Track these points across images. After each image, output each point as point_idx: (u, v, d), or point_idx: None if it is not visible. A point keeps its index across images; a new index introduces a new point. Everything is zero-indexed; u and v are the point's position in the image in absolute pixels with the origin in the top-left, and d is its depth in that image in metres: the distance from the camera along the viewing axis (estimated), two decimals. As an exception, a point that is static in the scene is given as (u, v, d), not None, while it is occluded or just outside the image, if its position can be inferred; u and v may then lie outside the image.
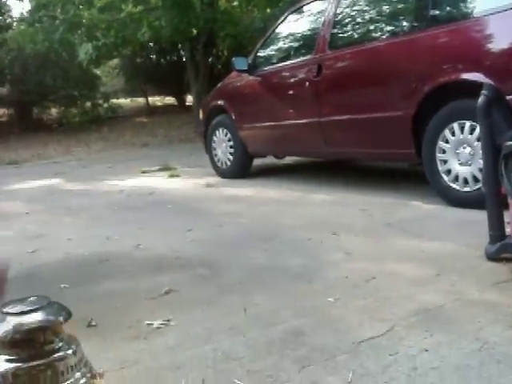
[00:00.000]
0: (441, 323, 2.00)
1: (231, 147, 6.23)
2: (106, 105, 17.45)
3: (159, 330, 2.15)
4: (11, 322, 1.10)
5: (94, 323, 2.25)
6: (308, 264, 2.88)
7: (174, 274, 2.88)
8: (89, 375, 1.24)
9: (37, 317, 1.13)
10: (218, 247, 3.38)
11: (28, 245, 3.79)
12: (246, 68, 5.86)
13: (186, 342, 2.02)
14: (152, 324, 2.19)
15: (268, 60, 5.87)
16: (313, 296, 2.39)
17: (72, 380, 1.18)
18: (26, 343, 1.11)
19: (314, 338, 1.96)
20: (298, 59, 5.29)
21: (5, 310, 1.12)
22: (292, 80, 5.33)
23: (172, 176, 6.83)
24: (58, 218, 4.84)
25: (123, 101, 19.28)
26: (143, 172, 7.48)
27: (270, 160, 6.91)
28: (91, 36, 11.54)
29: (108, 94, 17.83)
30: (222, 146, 6.36)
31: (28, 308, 1.13)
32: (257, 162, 6.56)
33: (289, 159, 7.07)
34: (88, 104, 17.21)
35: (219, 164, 6.45)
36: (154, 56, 18.07)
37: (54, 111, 17.50)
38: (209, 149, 6.61)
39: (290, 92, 5.30)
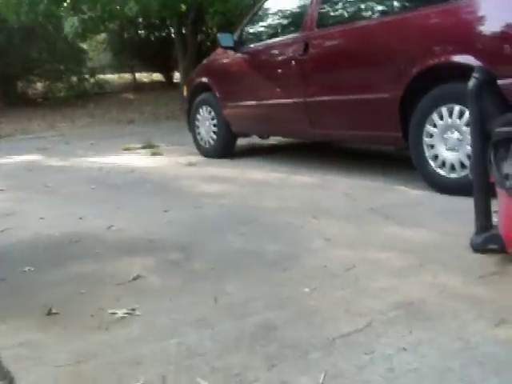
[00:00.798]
0: (421, 319, 1.88)
1: (215, 126, 6.06)
2: (92, 80, 17.11)
3: (123, 320, 2.01)
4: None
5: (54, 311, 2.12)
6: (286, 250, 2.75)
7: (145, 257, 2.75)
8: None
9: None
10: (195, 230, 3.25)
11: (-3, 224, 3.65)
12: (231, 45, 5.68)
13: (150, 334, 1.89)
14: (116, 313, 2.06)
15: (254, 37, 5.69)
16: (288, 285, 2.27)
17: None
18: None
19: (287, 333, 1.84)
20: (285, 37, 5.12)
21: None
22: (278, 58, 5.15)
23: (154, 154, 6.66)
24: (33, 195, 4.68)
25: (110, 76, 18.95)
26: (126, 149, 7.30)
27: (254, 140, 6.75)
28: (77, 9, 11.25)
29: (95, 69, 17.48)
30: (206, 124, 6.19)
31: None
32: (241, 141, 6.41)
33: (274, 139, 6.92)
34: (74, 79, 16.88)
35: (202, 143, 6.29)
36: (142, 31, 17.73)
37: (39, 85, 17.17)
38: (192, 127, 6.44)
39: (276, 70, 5.13)
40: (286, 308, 2.04)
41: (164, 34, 17.34)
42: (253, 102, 5.47)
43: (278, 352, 1.72)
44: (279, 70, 5.09)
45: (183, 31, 13.14)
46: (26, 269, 2.67)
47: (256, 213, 3.56)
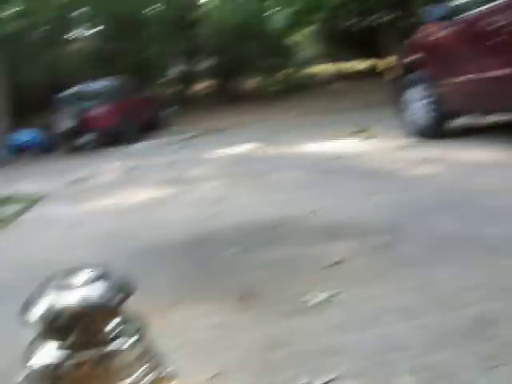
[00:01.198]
0: None
1: (427, 105, 5.68)
2: (302, 72, 17.44)
3: (322, 306, 1.87)
4: (52, 301, 0.84)
5: (252, 293, 2.05)
6: (508, 234, 2.40)
7: (348, 241, 2.59)
8: (154, 375, 0.87)
9: (86, 294, 0.84)
10: (402, 213, 3.00)
11: (209, 208, 3.77)
12: (441, 18, 5.26)
13: (348, 322, 1.73)
14: (313, 299, 1.92)
15: (466, 6, 5.20)
16: (510, 274, 1.95)
17: (131, 380, 0.85)
18: (69, 329, 0.82)
19: (508, 330, 1.55)
20: (501, 0, 4.60)
21: (49, 284, 0.87)
22: (494, 26, 4.62)
23: (363, 139, 6.49)
24: (242, 182, 4.79)
25: (319, 67, 19.13)
26: (335, 136, 7.20)
27: (471, 119, 6.23)
28: (284, 3, 11.47)
29: (304, 61, 17.81)
30: (417, 104, 5.83)
31: (77, 283, 0.86)
32: (456, 120, 5.94)
33: (493, 117, 6.32)
34: (284, 72, 17.34)
35: (414, 124, 5.93)
36: (349, 20, 17.57)
37: (252, 81, 17.91)
38: (403, 109, 6.13)
39: (493, 40, 4.62)
40: (507, 300, 1.74)
41: (370, 21, 17.01)
42: (469, 77, 5.00)
43: (498, 351, 1.44)
44: (496, 40, 4.58)
45: (390, 16, 12.75)
46: (230, 251, 2.66)
47: (472, 195, 3.20)
